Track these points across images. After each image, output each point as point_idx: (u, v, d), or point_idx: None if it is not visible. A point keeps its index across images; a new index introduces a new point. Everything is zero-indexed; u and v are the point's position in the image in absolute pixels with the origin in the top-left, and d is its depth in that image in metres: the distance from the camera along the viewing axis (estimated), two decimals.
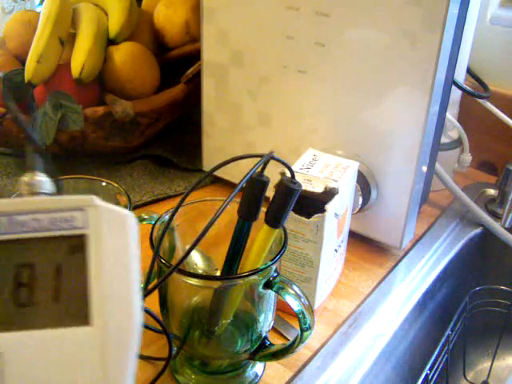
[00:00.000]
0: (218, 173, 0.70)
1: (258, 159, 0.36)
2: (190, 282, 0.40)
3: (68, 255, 0.26)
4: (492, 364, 0.72)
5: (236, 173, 0.61)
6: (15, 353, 0.25)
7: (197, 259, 0.47)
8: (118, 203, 0.48)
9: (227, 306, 0.41)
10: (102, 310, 0.25)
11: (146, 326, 0.44)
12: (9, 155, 0.76)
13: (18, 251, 0.26)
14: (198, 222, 0.45)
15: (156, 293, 0.42)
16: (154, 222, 0.43)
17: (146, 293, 0.37)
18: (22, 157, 0.75)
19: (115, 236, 0.26)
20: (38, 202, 0.26)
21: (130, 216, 0.26)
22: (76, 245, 0.26)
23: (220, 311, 0.41)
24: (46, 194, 0.29)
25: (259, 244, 0.40)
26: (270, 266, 0.39)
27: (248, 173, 0.36)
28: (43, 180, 0.29)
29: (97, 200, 0.26)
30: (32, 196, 0.28)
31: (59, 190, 0.30)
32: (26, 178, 0.29)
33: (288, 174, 0.38)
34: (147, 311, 0.39)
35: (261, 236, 0.40)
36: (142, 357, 0.46)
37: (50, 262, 0.26)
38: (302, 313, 0.40)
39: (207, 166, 0.72)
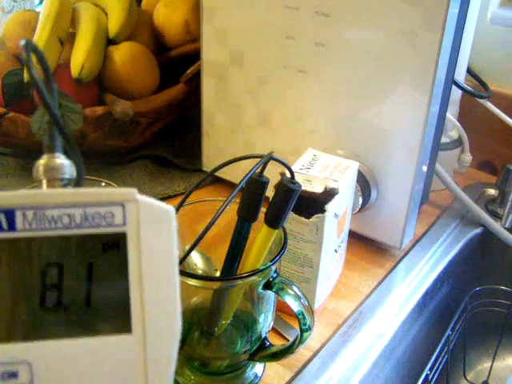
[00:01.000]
0: (218, 173, 0.69)
1: (258, 159, 0.36)
2: (189, 282, 0.40)
3: (103, 255, 0.23)
4: (492, 364, 0.72)
5: (236, 173, 0.61)
6: (45, 364, 0.22)
7: (197, 259, 0.47)
8: None
9: (227, 306, 0.41)
10: (142, 315, 0.22)
11: None
12: (9, 155, 0.76)
13: (45, 249, 0.22)
14: (197, 222, 0.45)
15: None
16: None
17: None
18: (22, 157, 0.75)
19: (156, 234, 0.23)
20: (71, 194, 0.22)
21: (172, 212, 0.23)
22: (113, 244, 0.23)
23: (220, 312, 0.41)
24: (66, 179, 0.24)
25: (259, 245, 0.40)
26: (269, 266, 0.39)
27: (248, 173, 0.36)
28: (64, 163, 0.25)
29: (137, 194, 0.23)
30: (50, 182, 0.24)
31: (81, 176, 0.25)
32: (43, 161, 0.25)
33: (288, 175, 0.38)
34: None
35: (260, 237, 0.40)
36: None
37: (82, 262, 0.23)
38: (302, 313, 0.40)
39: (207, 166, 0.72)
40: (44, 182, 0.24)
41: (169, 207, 0.23)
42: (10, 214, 0.22)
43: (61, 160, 0.25)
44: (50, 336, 0.22)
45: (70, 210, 0.22)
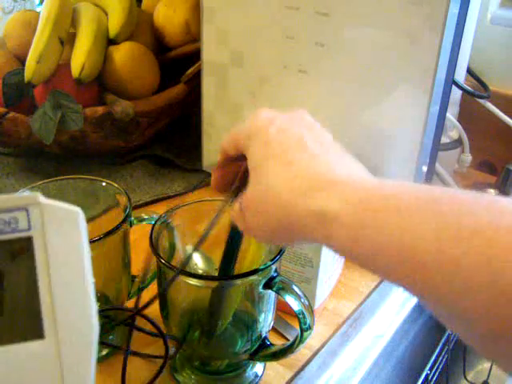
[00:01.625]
0: None
1: None
2: (190, 282, 0.40)
3: (11, 262, 0.22)
4: (492, 364, 0.72)
5: None
6: None
7: (197, 259, 0.47)
8: (117, 203, 0.48)
9: (226, 306, 0.41)
10: (54, 319, 0.22)
11: (142, 330, 0.44)
12: (9, 155, 0.76)
13: None
14: (197, 222, 0.45)
15: (155, 293, 0.42)
16: (153, 222, 0.43)
17: (153, 297, 0.37)
18: (22, 157, 0.75)
19: (64, 236, 0.23)
20: None
21: (78, 213, 0.23)
22: (19, 249, 0.22)
23: (219, 311, 0.41)
24: None
25: (253, 253, 0.40)
26: (269, 266, 0.39)
27: (239, 177, 0.36)
28: None
29: (41, 197, 0.23)
30: None
31: None
32: None
33: None
34: (142, 315, 0.39)
35: (253, 245, 0.40)
36: (141, 355, 0.46)
37: None
38: (302, 313, 0.40)
39: (207, 166, 0.72)
40: None
41: (74, 208, 0.23)
42: None
43: None
44: None
45: None
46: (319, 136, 0.34)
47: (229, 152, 0.37)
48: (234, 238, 0.39)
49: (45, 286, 0.22)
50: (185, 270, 0.40)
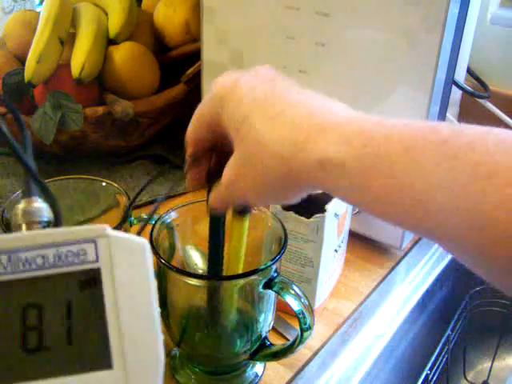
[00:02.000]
0: None
1: None
2: (189, 282, 0.40)
3: (80, 292, 0.23)
4: (492, 364, 0.72)
5: None
6: None
7: (197, 259, 0.47)
8: (117, 203, 0.48)
9: (224, 304, 0.41)
10: (122, 349, 0.22)
11: None
12: (9, 155, 0.76)
13: (22, 292, 0.23)
14: (197, 221, 0.45)
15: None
16: (153, 222, 0.43)
17: None
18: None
19: (131, 267, 0.23)
20: (43, 235, 0.23)
21: (145, 244, 0.24)
22: (88, 280, 0.23)
23: (217, 309, 0.41)
24: (44, 222, 0.25)
25: (236, 239, 0.39)
26: (270, 266, 0.39)
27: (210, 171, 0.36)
28: (41, 207, 0.25)
29: (108, 229, 0.23)
30: (29, 226, 0.25)
31: (58, 217, 0.26)
32: (21, 206, 0.25)
33: None
34: None
35: (234, 230, 0.39)
36: None
37: (59, 301, 0.23)
38: (302, 313, 0.40)
39: None
40: (23, 226, 0.25)
41: (141, 240, 0.24)
42: None
43: (38, 204, 0.26)
44: (32, 377, 0.22)
45: (42, 251, 0.23)
46: (289, 85, 0.33)
47: (199, 137, 0.35)
48: (217, 229, 0.39)
49: (113, 316, 0.23)
50: (184, 269, 0.40)
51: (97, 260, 0.23)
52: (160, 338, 0.23)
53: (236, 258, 0.39)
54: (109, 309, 0.23)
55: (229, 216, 0.39)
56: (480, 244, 0.24)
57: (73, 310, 0.23)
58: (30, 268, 0.22)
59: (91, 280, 0.23)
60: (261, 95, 0.31)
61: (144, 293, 0.23)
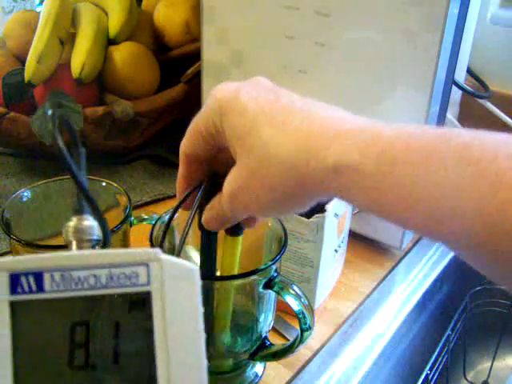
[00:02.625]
0: None
1: None
2: None
3: (128, 314, 0.23)
4: (492, 364, 0.72)
5: None
6: None
7: (197, 259, 0.47)
8: (117, 203, 0.48)
9: (220, 305, 0.41)
10: (168, 372, 0.23)
11: None
12: (9, 155, 0.76)
13: (72, 309, 0.23)
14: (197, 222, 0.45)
15: None
16: (153, 222, 0.43)
17: None
18: (22, 157, 0.75)
19: (181, 292, 0.23)
20: (97, 255, 0.23)
21: (196, 270, 0.24)
22: (138, 302, 0.23)
23: (212, 310, 0.41)
24: (94, 240, 0.25)
25: (229, 256, 0.39)
26: (270, 265, 0.39)
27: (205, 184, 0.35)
28: (92, 225, 0.26)
29: (160, 253, 0.24)
30: (79, 243, 0.25)
31: (107, 238, 0.26)
32: (72, 223, 0.25)
33: None
34: None
35: (226, 248, 0.39)
36: None
37: (108, 321, 0.23)
38: (302, 313, 0.40)
39: None
40: (73, 243, 0.25)
41: (192, 266, 0.24)
42: (38, 276, 0.23)
43: (89, 222, 0.26)
44: None
45: (95, 271, 0.23)
46: (290, 94, 0.32)
47: (196, 149, 0.34)
48: (209, 237, 0.38)
49: (160, 339, 0.23)
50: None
51: (148, 283, 0.23)
52: (205, 364, 0.23)
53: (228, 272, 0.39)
54: (157, 332, 0.23)
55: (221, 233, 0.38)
56: (500, 252, 0.23)
57: (121, 330, 0.23)
58: (82, 287, 0.23)
59: (141, 302, 0.23)
60: (266, 104, 0.31)
61: (192, 318, 0.23)
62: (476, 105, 0.75)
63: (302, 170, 0.28)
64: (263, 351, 0.43)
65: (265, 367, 0.47)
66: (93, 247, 0.25)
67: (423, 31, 0.49)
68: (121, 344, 0.23)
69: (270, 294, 0.42)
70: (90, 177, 0.50)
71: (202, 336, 0.23)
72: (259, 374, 0.46)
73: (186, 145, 0.35)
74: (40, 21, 0.68)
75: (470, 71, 0.75)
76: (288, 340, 0.49)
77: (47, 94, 0.66)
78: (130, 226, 0.47)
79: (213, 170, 0.35)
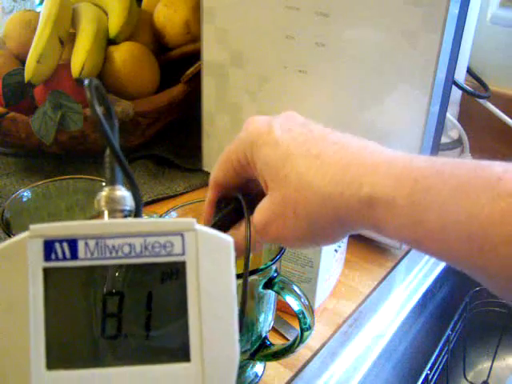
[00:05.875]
0: None
1: None
2: None
3: (163, 284, 0.23)
4: (492, 364, 0.72)
5: None
6: None
7: None
8: None
9: None
10: (200, 344, 0.23)
11: None
12: (9, 155, 0.76)
13: (105, 278, 0.23)
14: (198, 222, 0.45)
15: None
16: None
17: None
18: (22, 157, 0.75)
19: (215, 264, 0.23)
20: (132, 224, 0.23)
21: (231, 242, 0.24)
22: (172, 273, 0.23)
23: None
24: (127, 211, 0.25)
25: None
26: (270, 266, 0.39)
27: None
28: (124, 195, 0.25)
29: (196, 224, 0.23)
30: (112, 213, 0.25)
31: (139, 208, 0.26)
32: (105, 193, 0.25)
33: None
34: None
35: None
36: None
37: (141, 291, 0.23)
38: (302, 313, 0.40)
39: (207, 166, 0.72)
40: (106, 212, 0.25)
41: (228, 237, 0.24)
42: (72, 244, 0.23)
43: (122, 192, 0.25)
44: (110, 364, 0.22)
45: (130, 240, 0.23)
46: (321, 127, 0.33)
47: (226, 178, 0.35)
48: None
49: (194, 310, 0.23)
50: None
51: (183, 253, 0.23)
52: (237, 336, 0.23)
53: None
54: (190, 302, 0.23)
55: None
56: None
57: (154, 300, 0.23)
58: (117, 255, 0.23)
59: (175, 273, 0.23)
60: (299, 136, 0.31)
61: (226, 290, 0.23)
62: (476, 105, 0.75)
63: (337, 200, 0.29)
64: (263, 351, 0.43)
65: (265, 367, 0.47)
66: (125, 217, 0.25)
67: (423, 31, 0.49)
68: (153, 314, 0.23)
69: (270, 294, 0.42)
70: (90, 177, 0.50)
71: (235, 308, 0.23)
72: (259, 374, 0.46)
73: (217, 173, 0.35)
74: (40, 21, 0.68)
75: (470, 71, 0.75)
76: (288, 340, 0.49)
77: (47, 94, 0.66)
78: None
79: (235, 195, 0.35)
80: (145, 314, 0.23)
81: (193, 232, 0.23)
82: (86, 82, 0.24)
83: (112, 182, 0.26)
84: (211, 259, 0.23)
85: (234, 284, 0.23)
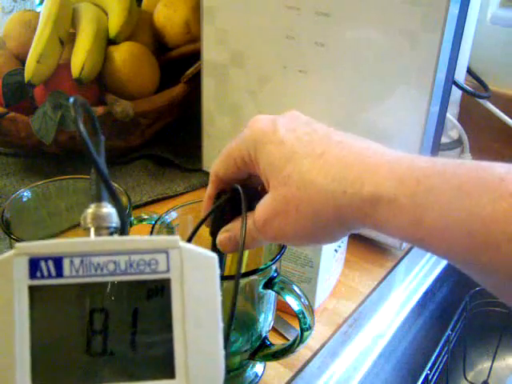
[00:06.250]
0: None
1: None
2: None
3: (148, 301, 0.23)
4: (492, 364, 0.72)
5: None
6: None
7: None
8: None
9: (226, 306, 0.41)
10: (185, 361, 0.23)
11: None
12: (9, 155, 0.76)
13: (91, 295, 0.23)
14: (197, 221, 0.45)
15: None
16: (153, 222, 0.43)
17: None
18: (22, 157, 0.75)
19: (200, 281, 0.23)
20: (117, 242, 0.23)
21: (215, 259, 0.24)
22: (157, 290, 0.23)
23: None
24: (113, 228, 0.25)
25: (235, 262, 0.39)
26: (270, 265, 0.39)
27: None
28: (110, 212, 0.25)
29: (180, 241, 0.24)
30: (98, 230, 0.25)
31: (125, 225, 0.26)
32: (91, 210, 0.25)
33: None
34: None
35: (234, 255, 0.39)
36: None
37: (127, 308, 0.23)
38: (302, 313, 0.40)
39: (207, 166, 0.72)
40: (92, 230, 0.25)
41: (211, 254, 0.24)
42: (57, 261, 0.23)
43: (108, 209, 0.26)
44: (95, 381, 0.23)
45: (115, 257, 0.23)
46: (324, 127, 0.33)
47: (227, 173, 0.35)
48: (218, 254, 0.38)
49: (178, 327, 0.23)
50: None
51: (167, 271, 0.23)
52: (222, 352, 0.23)
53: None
54: (175, 319, 0.23)
55: None
56: None
57: (139, 317, 0.23)
58: (102, 273, 0.23)
59: (160, 290, 0.23)
60: (303, 136, 0.32)
61: (211, 306, 0.23)
62: (476, 105, 0.75)
63: (339, 199, 0.29)
64: (263, 351, 0.43)
65: (265, 367, 0.47)
66: (110, 235, 0.25)
67: (423, 31, 0.49)
68: (139, 331, 0.23)
69: (270, 294, 0.42)
70: (90, 176, 0.50)
71: (220, 324, 0.23)
72: (259, 374, 0.46)
73: (218, 167, 0.36)
74: (40, 21, 0.68)
75: (470, 71, 0.75)
76: (288, 340, 0.49)
77: (47, 94, 0.66)
78: (130, 226, 0.47)
79: (234, 185, 0.35)
80: (130, 331, 0.23)
81: (177, 249, 0.23)
82: (71, 99, 0.25)
83: (98, 199, 0.26)
84: (196, 276, 0.23)
85: (218, 300, 0.24)
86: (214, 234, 0.37)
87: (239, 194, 0.34)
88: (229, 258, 0.40)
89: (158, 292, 0.23)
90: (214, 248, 0.37)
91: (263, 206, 0.33)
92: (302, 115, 0.35)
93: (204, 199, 0.37)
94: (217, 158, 0.36)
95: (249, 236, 0.34)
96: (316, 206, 0.30)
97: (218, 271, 0.24)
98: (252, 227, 0.33)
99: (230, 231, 0.35)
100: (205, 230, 0.38)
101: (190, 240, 0.37)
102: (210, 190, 0.37)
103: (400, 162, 0.28)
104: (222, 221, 0.36)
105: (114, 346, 0.23)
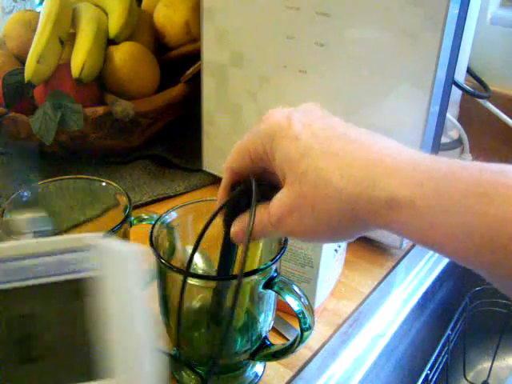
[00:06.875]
0: (218, 173, 0.70)
1: None
2: (190, 282, 0.40)
3: (73, 301, 0.23)
4: (492, 364, 0.72)
5: None
6: None
7: (197, 259, 0.47)
8: (117, 203, 0.48)
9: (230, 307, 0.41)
10: (113, 359, 0.22)
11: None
12: (9, 155, 0.76)
13: (14, 301, 0.22)
14: (198, 222, 0.45)
15: (156, 292, 0.42)
16: (153, 222, 0.43)
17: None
18: (21, 157, 0.75)
19: (123, 277, 0.23)
20: (35, 245, 0.23)
21: (137, 252, 0.23)
22: (81, 289, 0.23)
23: (221, 311, 0.41)
24: (42, 232, 0.25)
25: (248, 259, 0.38)
26: (270, 265, 0.39)
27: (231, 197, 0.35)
28: (38, 217, 0.25)
29: (102, 238, 0.23)
30: (26, 237, 0.25)
31: (53, 226, 0.26)
32: (20, 216, 0.25)
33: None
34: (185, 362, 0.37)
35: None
36: None
37: (52, 311, 0.23)
38: (302, 313, 0.40)
39: (207, 166, 0.72)
40: (15, 235, 0.25)
41: (134, 248, 0.23)
42: None
43: (35, 214, 0.26)
44: None
45: (34, 261, 0.22)
46: (342, 122, 0.33)
47: (241, 166, 0.35)
48: (228, 252, 0.38)
49: (104, 325, 0.23)
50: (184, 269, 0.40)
51: (91, 268, 0.23)
52: (151, 350, 0.23)
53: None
54: (102, 318, 0.22)
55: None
56: None
57: (66, 319, 0.23)
58: (24, 277, 0.22)
59: (84, 289, 0.23)
60: (320, 132, 0.32)
61: (136, 300, 0.23)
62: (476, 105, 0.75)
63: (355, 200, 0.29)
64: (263, 351, 0.43)
65: (265, 367, 0.47)
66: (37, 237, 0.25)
67: (423, 31, 0.49)
68: (66, 333, 0.23)
69: (270, 294, 0.42)
70: (90, 177, 0.50)
71: (146, 320, 0.23)
72: (259, 374, 0.46)
73: (232, 159, 0.36)
74: (40, 21, 0.68)
75: (470, 71, 0.75)
76: (288, 340, 0.49)
77: (47, 94, 0.66)
78: (130, 225, 0.47)
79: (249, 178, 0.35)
80: (59, 334, 0.23)
81: (98, 247, 0.23)
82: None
83: (17, 204, 0.26)
84: (119, 272, 0.23)
85: (142, 296, 0.23)
86: (227, 226, 0.37)
87: (252, 186, 0.34)
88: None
89: (82, 292, 0.23)
90: (228, 239, 0.37)
91: (279, 201, 0.32)
92: (317, 108, 0.34)
93: (218, 191, 0.37)
94: (219, 157, 0.36)
95: (263, 229, 0.34)
96: (331, 205, 0.30)
97: (140, 266, 0.23)
98: (266, 222, 0.33)
99: (243, 223, 0.35)
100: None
101: (203, 231, 0.36)
102: (224, 182, 0.37)
103: (420, 164, 0.28)
104: (236, 212, 0.36)
105: (42, 350, 0.22)
